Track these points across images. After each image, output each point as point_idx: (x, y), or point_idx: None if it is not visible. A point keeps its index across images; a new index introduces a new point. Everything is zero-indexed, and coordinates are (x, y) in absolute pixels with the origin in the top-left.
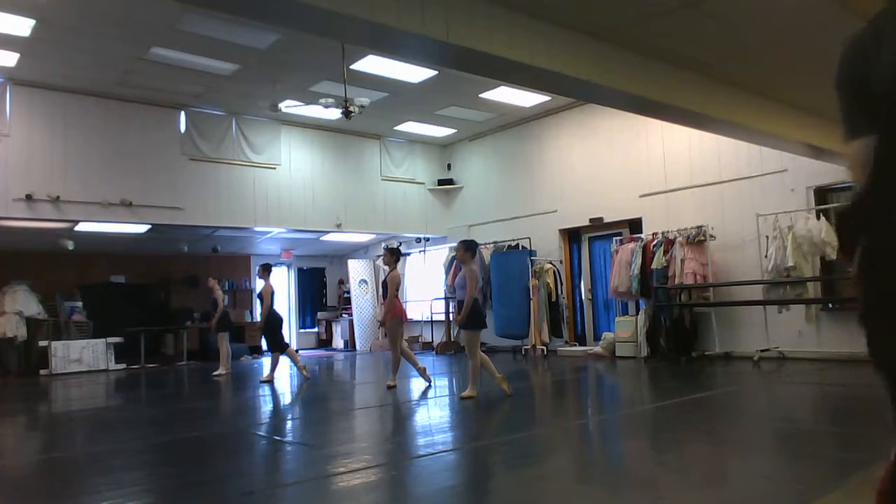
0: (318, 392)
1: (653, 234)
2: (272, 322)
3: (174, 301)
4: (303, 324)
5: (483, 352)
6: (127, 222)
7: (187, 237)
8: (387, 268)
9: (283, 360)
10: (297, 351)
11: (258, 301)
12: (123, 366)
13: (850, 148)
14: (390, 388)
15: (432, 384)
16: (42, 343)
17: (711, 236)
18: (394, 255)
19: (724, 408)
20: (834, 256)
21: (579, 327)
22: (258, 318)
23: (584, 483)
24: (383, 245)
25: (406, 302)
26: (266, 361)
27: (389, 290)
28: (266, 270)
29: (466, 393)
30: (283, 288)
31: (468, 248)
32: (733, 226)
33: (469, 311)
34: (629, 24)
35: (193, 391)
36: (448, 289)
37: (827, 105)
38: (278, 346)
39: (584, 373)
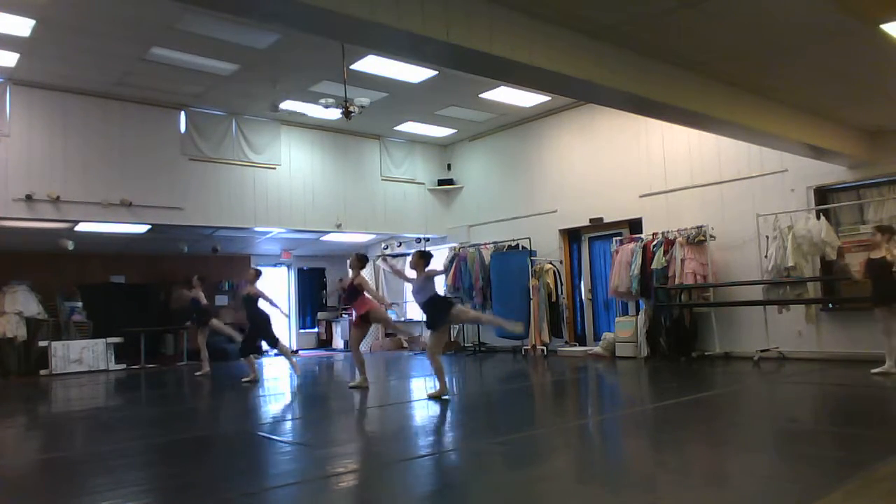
0: (318, 392)
1: (653, 235)
2: (257, 323)
3: (174, 301)
4: (303, 324)
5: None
6: (127, 222)
7: (187, 237)
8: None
9: (283, 361)
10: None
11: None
12: (123, 366)
13: None
14: (353, 388)
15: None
16: (42, 343)
17: (711, 236)
18: (360, 261)
19: (724, 408)
20: (834, 256)
21: (579, 327)
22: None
23: (584, 483)
24: (383, 245)
25: (406, 302)
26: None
27: (365, 288)
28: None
29: (436, 392)
30: (283, 288)
31: (422, 257)
32: (733, 226)
33: (429, 311)
34: (629, 24)
35: (193, 391)
36: (448, 288)
37: (827, 105)
38: (247, 349)
39: (584, 373)
